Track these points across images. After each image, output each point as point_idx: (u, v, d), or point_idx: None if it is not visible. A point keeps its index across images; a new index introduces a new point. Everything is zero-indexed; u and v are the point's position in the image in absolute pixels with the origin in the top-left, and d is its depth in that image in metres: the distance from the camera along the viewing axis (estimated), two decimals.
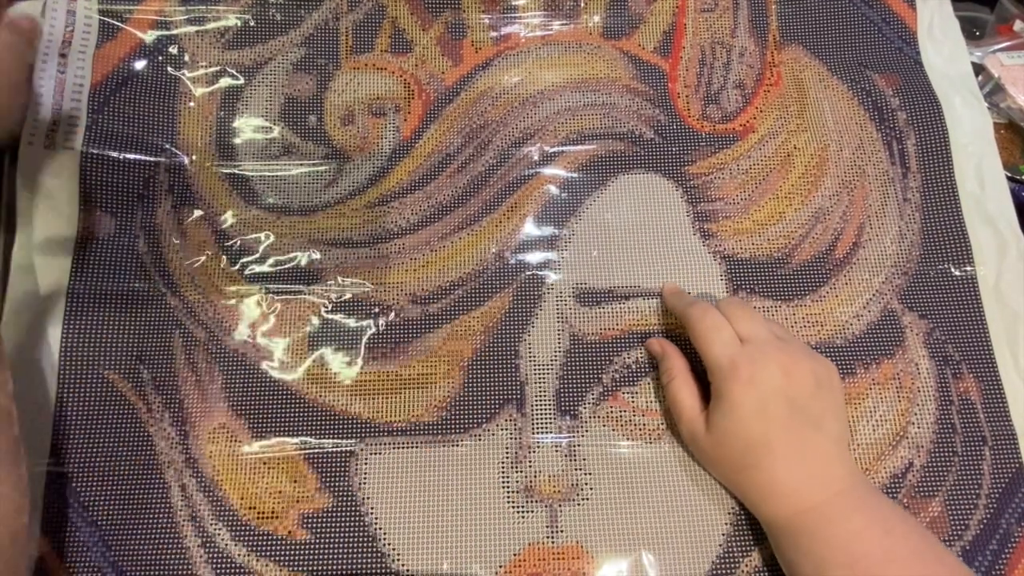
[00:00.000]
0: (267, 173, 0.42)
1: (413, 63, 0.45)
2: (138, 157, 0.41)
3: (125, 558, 0.34)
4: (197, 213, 0.41)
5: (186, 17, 0.45)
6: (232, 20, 0.45)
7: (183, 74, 0.44)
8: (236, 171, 0.42)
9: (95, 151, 0.40)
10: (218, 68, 0.44)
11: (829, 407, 0.34)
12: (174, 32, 0.44)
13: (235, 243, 0.41)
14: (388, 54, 0.46)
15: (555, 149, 0.44)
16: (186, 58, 0.44)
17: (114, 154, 0.41)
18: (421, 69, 0.45)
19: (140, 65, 0.43)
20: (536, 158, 0.44)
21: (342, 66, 0.45)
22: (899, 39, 0.48)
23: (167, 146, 0.42)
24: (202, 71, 0.44)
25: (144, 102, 0.43)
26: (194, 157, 0.42)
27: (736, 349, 0.34)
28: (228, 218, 0.41)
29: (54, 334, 0.38)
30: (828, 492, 0.32)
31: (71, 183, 0.40)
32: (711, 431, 0.34)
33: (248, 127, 0.43)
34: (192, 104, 0.43)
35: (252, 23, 0.45)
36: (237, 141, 0.43)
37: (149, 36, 0.44)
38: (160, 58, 0.44)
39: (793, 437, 0.32)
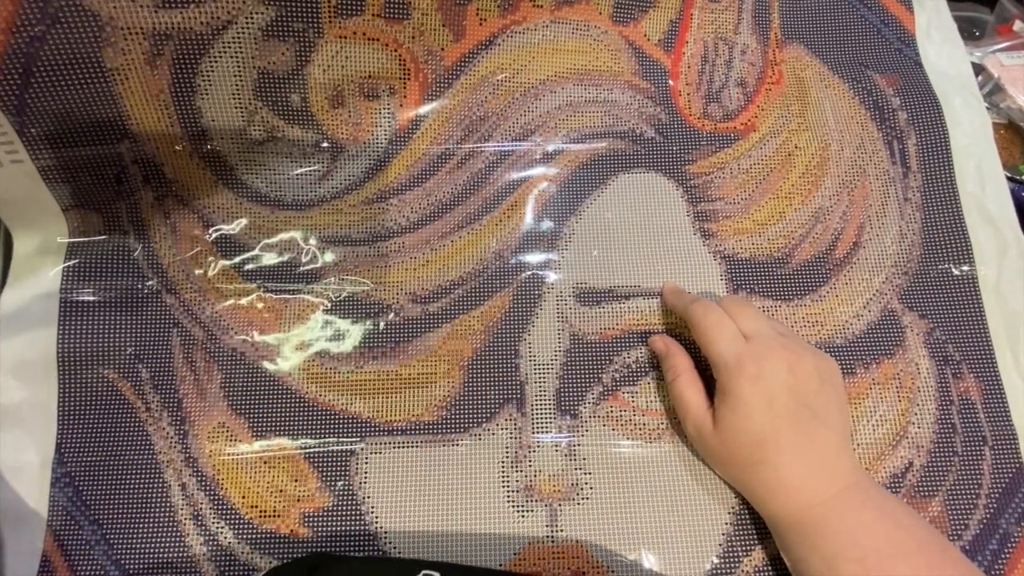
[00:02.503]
0: (254, 162, 0.41)
1: (410, 34, 0.40)
2: (95, 152, 0.37)
3: (128, 556, 0.34)
4: (183, 206, 0.40)
5: None
6: None
7: (104, 46, 0.34)
8: (215, 158, 0.40)
9: (46, 163, 0.36)
10: (156, 35, 0.35)
11: (833, 402, 0.34)
12: None
13: (228, 239, 0.40)
14: (381, 20, 0.39)
15: (555, 147, 0.44)
16: (100, 25, 0.33)
17: (67, 159, 0.36)
18: (418, 43, 0.41)
19: (37, 45, 0.32)
20: (536, 156, 0.43)
21: (325, 33, 0.38)
22: (898, 40, 0.48)
23: (120, 136, 0.37)
24: (132, 42, 0.34)
25: (68, 93, 0.34)
26: (158, 143, 0.38)
27: (741, 345, 0.34)
28: (218, 212, 0.40)
29: (52, 335, 0.37)
30: (836, 487, 0.32)
31: (41, 192, 0.37)
32: (718, 428, 0.34)
33: (216, 107, 0.38)
34: (132, 84, 0.35)
35: None
36: (207, 122, 0.38)
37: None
38: (58, 31, 0.32)
39: (800, 432, 0.33)
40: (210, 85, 0.38)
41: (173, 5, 0.35)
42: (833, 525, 0.31)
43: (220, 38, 0.36)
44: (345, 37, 0.39)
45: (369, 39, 0.40)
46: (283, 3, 0.37)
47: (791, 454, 0.32)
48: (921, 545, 0.31)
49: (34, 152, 0.35)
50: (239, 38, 0.37)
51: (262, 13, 0.36)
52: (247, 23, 0.36)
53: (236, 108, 0.39)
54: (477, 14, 0.42)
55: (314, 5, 0.37)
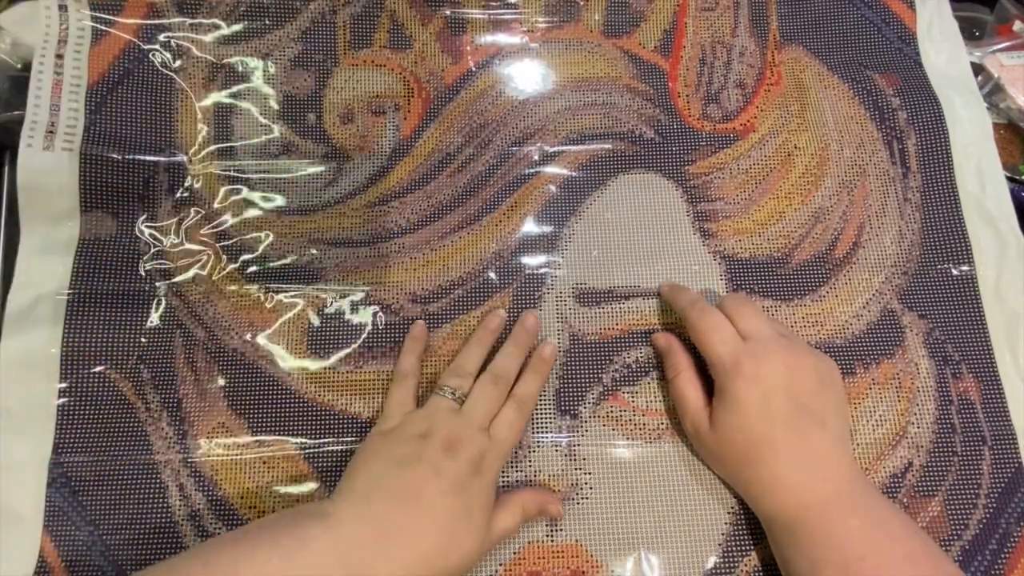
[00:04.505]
0: (267, 173, 0.42)
1: (412, 60, 0.45)
2: (137, 157, 0.41)
3: (125, 557, 0.34)
4: (197, 213, 0.41)
5: (179, 13, 0.44)
6: (226, 16, 0.44)
7: (179, 71, 0.43)
8: (236, 171, 0.42)
9: (94, 152, 0.40)
10: (214, 65, 0.44)
11: (832, 405, 0.34)
12: (168, 29, 0.44)
13: (235, 243, 0.41)
14: (387, 50, 0.45)
15: (555, 149, 0.44)
16: (181, 55, 0.43)
17: (113, 155, 0.40)
18: (420, 66, 0.45)
19: (135, 64, 0.43)
20: (536, 158, 0.43)
21: (340, 62, 0.45)
22: (899, 39, 0.48)
23: (165, 145, 0.42)
24: (198, 68, 0.43)
25: (141, 101, 0.42)
26: (193, 156, 0.42)
27: (738, 346, 0.34)
28: (228, 218, 0.41)
29: (56, 333, 0.38)
30: (829, 490, 0.32)
31: (71, 184, 0.39)
32: (715, 427, 0.34)
33: (246, 126, 0.43)
34: (189, 102, 0.43)
35: (247, 17, 0.45)
36: (236, 140, 0.43)
37: (143, 32, 0.43)
38: (155, 56, 0.43)
39: (796, 434, 0.32)
40: (245, 108, 0.43)
41: (232, 41, 0.44)
42: (821, 529, 0.31)
43: (259, 67, 0.44)
44: (356, 65, 0.45)
45: (377, 65, 0.45)
46: (309, 38, 0.45)
47: (786, 455, 0.32)
48: (909, 555, 0.30)
49: (88, 144, 0.40)
50: (273, 67, 0.44)
51: (292, 47, 0.45)
52: (280, 55, 0.45)
53: (261, 127, 0.43)
54: (472, 41, 0.46)
55: (332, 39, 0.45)
